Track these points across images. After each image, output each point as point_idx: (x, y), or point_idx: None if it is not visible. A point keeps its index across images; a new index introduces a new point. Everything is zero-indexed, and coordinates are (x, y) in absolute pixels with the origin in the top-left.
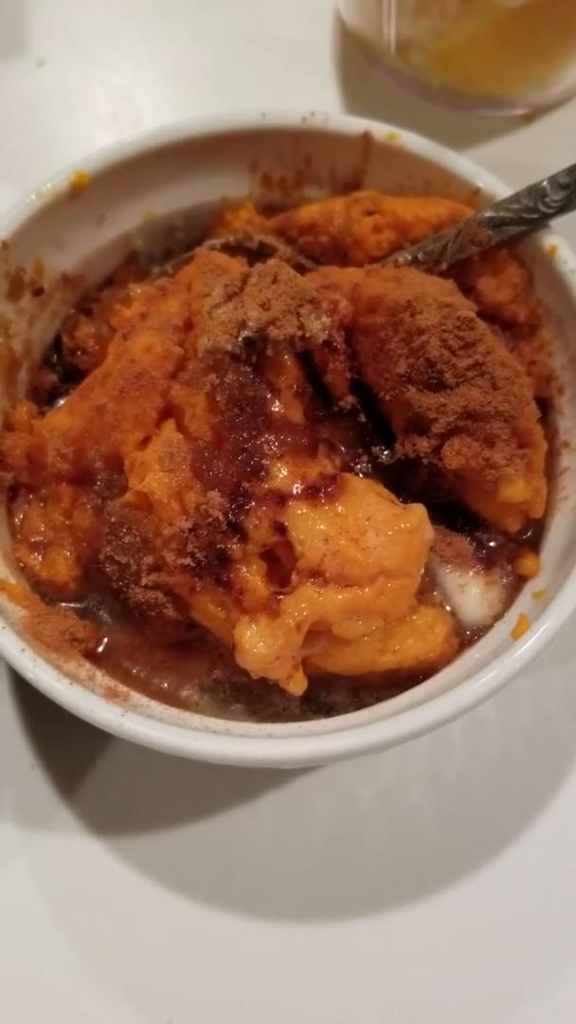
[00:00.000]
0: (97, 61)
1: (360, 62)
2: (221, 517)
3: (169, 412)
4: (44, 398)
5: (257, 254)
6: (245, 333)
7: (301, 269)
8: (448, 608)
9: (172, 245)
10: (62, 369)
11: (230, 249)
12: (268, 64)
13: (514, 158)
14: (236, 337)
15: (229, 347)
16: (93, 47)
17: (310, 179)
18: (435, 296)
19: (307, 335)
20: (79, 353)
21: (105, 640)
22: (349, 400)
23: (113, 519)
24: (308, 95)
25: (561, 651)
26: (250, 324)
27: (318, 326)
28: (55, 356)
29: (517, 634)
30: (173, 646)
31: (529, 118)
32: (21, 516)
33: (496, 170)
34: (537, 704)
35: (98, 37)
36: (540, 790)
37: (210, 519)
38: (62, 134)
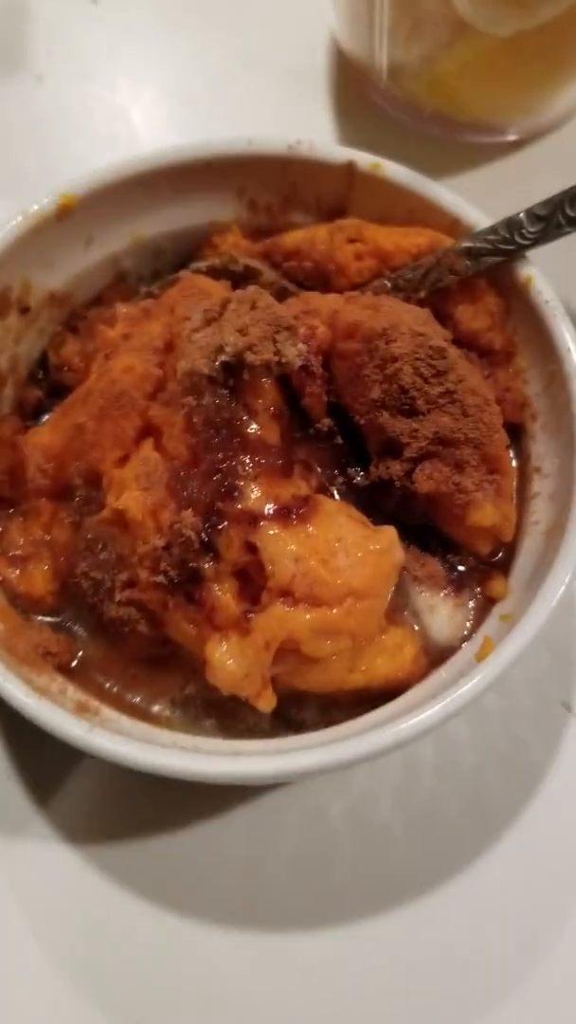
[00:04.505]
0: (95, 79)
1: (355, 85)
2: (194, 536)
3: (148, 431)
4: (29, 413)
5: (242, 277)
6: (222, 357)
7: (284, 293)
8: (418, 628)
9: (160, 266)
10: (48, 385)
11: (215, 272)
12: (264, 86)
13: (504, 183)
14: (214, 361)
15: (206, 370)
16: (92, 65)
17: (296, 205)
18: (410, 325)
19: (283, 360)
20: (65, 370)
21: (80, 654)
22: (326, 422)
23: (89, 535)
24: (303, 117)
25: (533, 673)
26: (227, 349)
27: (294, 352)
28: (41, 372)
29: (481, 656)
30: (147, 661)
31: (519, 144)
32: (1, 530)
33: (486, 195)
34: (508, 724)
35: (97, 55)
36: (509, 809)
37: (183, 538)
38: (59, 151)
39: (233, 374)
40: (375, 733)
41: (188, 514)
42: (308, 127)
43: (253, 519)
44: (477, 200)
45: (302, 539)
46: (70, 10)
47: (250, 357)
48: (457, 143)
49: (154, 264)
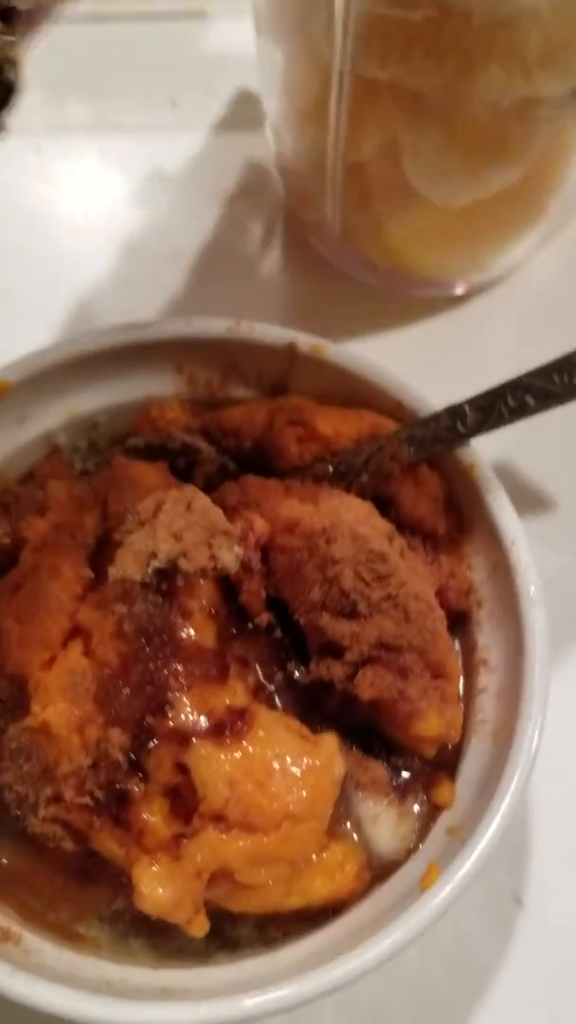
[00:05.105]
0: (37, 228)
1: (302, 238)
2: (121, 758)
3: (77, 631)
4: None
5: (180, 453)
6: (155, 564)
7: (224, 470)
8: (360, 839)
9: (96, 438)
10: None
11: (152, 449)
12: (213, 236)
13: (451, 335)
14: (146, 567)
15: (138, 577)
16: (36, 220)
17: (236, 380)
18: (350, 524)
19: (218, 566)
20: None
21: (4, 862)
22: (264, 617)
23: (13, 745)
24: (255, 278)
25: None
26: (160, 555)
27: (230, 558)
28: None
29: (425, 885)
30: (74, 872)
31: (466, 297)
32: None
33: (433, 347)
34: (454, 919)
35: (39, 204)
36: (458, 1015)
37: (110, 759)
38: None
39: (167, 578)
40: (315, 975)
41: (116, 732)
42: (254, 279)
43: (184, 737)
44: (424, 354)
45: (237, 759)
46: (12, 160)
47: (184, 564)
48: (403, 296)
49: (89, 435)
